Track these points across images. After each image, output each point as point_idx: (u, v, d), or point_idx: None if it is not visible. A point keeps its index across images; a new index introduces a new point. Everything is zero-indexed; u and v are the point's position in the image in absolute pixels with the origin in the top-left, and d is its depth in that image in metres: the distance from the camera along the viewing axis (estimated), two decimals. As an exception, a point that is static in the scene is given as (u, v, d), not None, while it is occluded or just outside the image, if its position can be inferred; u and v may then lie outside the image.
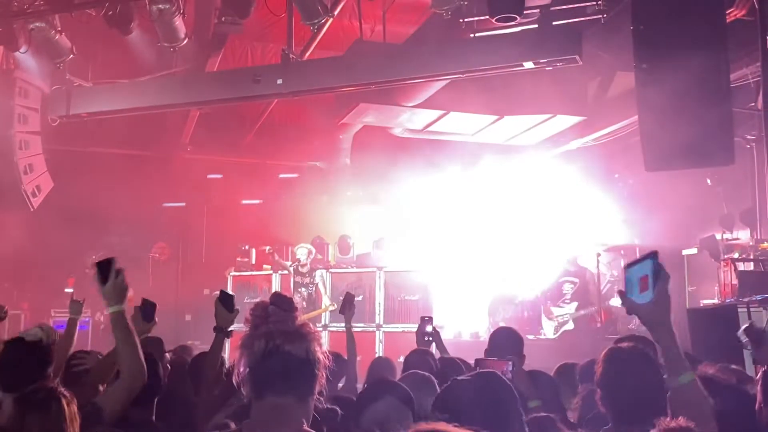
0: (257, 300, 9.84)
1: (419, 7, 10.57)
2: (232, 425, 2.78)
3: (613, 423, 3.03)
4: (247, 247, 12.70)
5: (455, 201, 14.34)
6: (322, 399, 2.40)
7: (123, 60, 11.17)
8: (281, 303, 2.33)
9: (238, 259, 12.84)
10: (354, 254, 12.32)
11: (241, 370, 2.27)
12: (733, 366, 4.27)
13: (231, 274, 12.38)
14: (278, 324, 2.28)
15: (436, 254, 11.68)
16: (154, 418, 3.88)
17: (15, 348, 3.77)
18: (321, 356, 2.30)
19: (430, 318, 6.05)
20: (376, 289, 11.31)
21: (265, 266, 12.56)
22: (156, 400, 3.90)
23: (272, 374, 2.23)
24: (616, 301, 10.89)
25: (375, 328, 11.16)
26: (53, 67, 10.31)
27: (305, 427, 2.26)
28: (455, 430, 1.27)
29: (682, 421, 2.26)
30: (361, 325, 11.18)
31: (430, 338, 5.81)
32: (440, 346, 5.95)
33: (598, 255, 11.71)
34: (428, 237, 12.09)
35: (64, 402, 2.88)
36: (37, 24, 9.43)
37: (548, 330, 10.82)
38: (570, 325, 10.69)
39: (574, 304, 10.71)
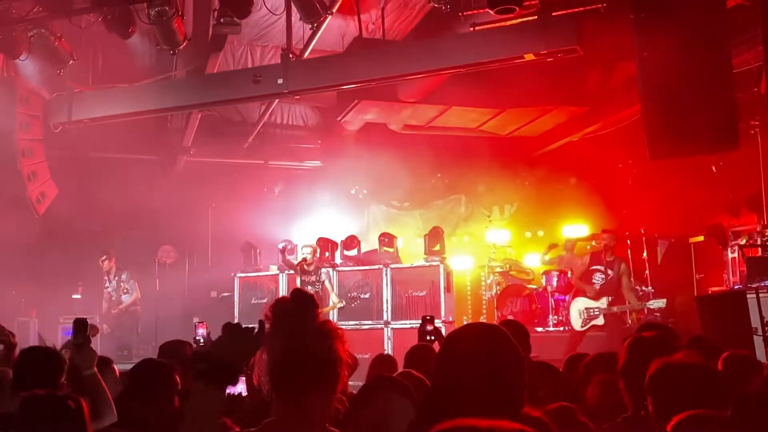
0: (264, 301, 9.82)
1: (417, 3, 10.57)
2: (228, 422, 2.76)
3: (633, 410, 3.05)
4: (245, 246, 12.64)
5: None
6: (344, 398, 2.37)
7: (123, 64, 11.18)
8: (302, 300, 2.28)
9: (246, 262, 12.80)
10: (360, 252, 12.31)
11: (262, 369, 2.23)
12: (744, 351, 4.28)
13: (237, 275, 12.37)
14: (299, 322, 2.23)
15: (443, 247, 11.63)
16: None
17: (30, 354, 3.82)
18: (343, 354, 2.26)
19: (432, 318, 6.14)
20: (383, 286, 11.29)
21: (271, 266, 12.54)
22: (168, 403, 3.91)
23: (293, 374, 2.19)
24: (654, 303, 10.36)
25: (383, 325, 11.15)
26: (54, 74, 10.31)
27: (328, 426, 2.23)
28: (477, 423, 1.20)
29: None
30: (369, 322, 11.18)
31: (432, 337, 5.89)
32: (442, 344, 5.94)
33: (605, 245, 11.66)
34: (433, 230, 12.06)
35: (73, 406, 2.87)
36: (37, 30, 9.43)
37: (575, 322, 10.34)
38: (600, 320, 10.12)
39: (605, 299, 10.10)
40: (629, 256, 12.15)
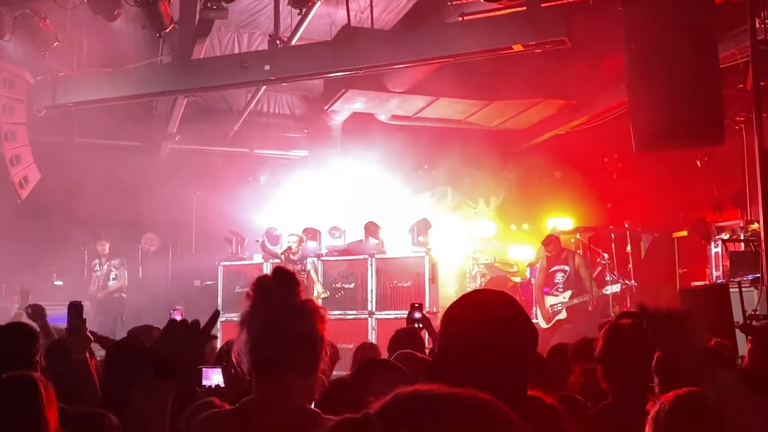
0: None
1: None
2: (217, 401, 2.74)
3: (613, 398, 3.06)
4: (229, 236, 12.61)
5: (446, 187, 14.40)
6: (324, 378, 2.34)
7: (108, 49, 11.06)
8: (283, 278, 2.24)
9: (230, 250, 12.77)
10: (345, 242, 12.28)
11: (241, 347, 2.21)
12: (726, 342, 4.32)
13: (221, 264, 12.31)
14: (280, 300, 2.20)
15: (427, 239, 11.63)
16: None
17: (3, 333, 3.76)
18: (325, 334, 2.24)
19: (420, 305, 6.15)
20: (368, 277, 11.27)
21: (255, 255, 12.49)
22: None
23: (273, 352, 2.17)
24: (609, 289, 10.87)
25: (367, 315, 11.14)
26: (38, 57, 10.20)
27: (308, 405, 2.22)
28: (437, 389, 1.14)
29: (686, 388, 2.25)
30: (354, 312, 11.17)
31: (420, 324, 5.90)
32: (431, 332, 5.97)
33: (590, 239, 11.75)
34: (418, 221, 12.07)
35: (41, 387, 2.82)
36: (21, 11, 9.31)
37: (541, 320, 10.83)
38: (563, 315, 10.71)
39: (568, 293, 10.70)
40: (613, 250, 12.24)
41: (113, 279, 12.28)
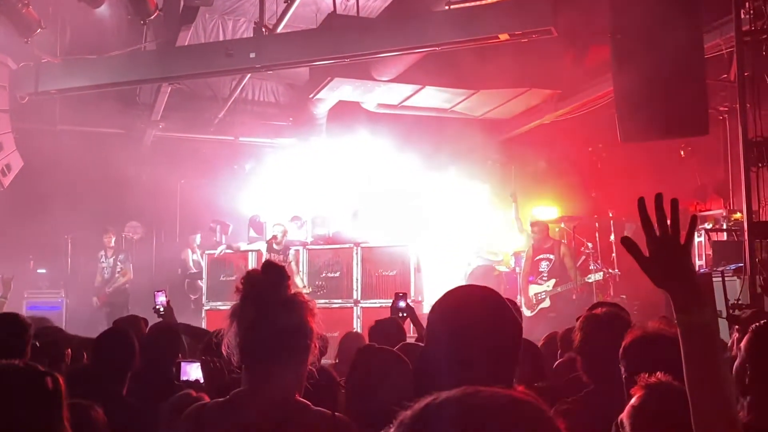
0: (233, 278, 9.72)
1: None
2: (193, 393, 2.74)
3: (594, 385, 3.10)
4: (213, 225, 12.58)
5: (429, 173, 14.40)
6: (314, 370, 2.35)
7: (92, 35, 10.95)
8: (272, 271, 2.26)
9: (215, 239, 12.74)
10: (330, 230, 12.27)
11: (231, 339, 2.22)
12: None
13: (206, 252, 12.28)
14: (269, 293, 2.22)
15: (413, 228, 11.66)
16: (125, 392, 3.85)
17: None
18: (314, 326, 2.26)
19: (405, 294, 6.15)
20: (353, 265, 11.27)
21: (240, 244, 12.46)
22: (129, 375, 3.86)
23: (263, 344, 2.19)
24: (592, 277, 10.98)
25: (353, 304, 11.15)
26: (20, 43, 10.07)
27: (297, 397, 2.23)
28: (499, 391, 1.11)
29: (660, 375, 2.27)
30: (339, 301, 11.18)
31: (404, 314, 5.90)
32: (415, 321, 5.98)
33: (574, 227, 11.81)
34: (404, 210, 12.09)
35: (60, 380, 2.76)
36: (3, -3, 9.19)
37: (525, 309, 10.92)
38: (546, 303, 10.85)
39: (552, 281, 10.83)
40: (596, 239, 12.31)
41: (119, 273, 12.42)
